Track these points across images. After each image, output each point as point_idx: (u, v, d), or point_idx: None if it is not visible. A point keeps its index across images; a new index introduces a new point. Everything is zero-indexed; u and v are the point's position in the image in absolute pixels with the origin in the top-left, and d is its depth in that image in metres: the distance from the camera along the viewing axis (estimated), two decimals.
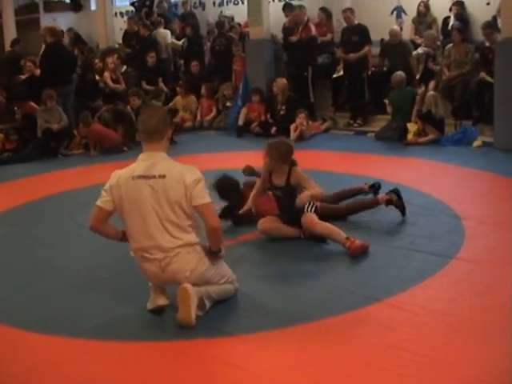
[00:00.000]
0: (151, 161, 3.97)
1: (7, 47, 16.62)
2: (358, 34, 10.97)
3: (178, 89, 12.56)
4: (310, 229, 5.35)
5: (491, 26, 9.49)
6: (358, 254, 5.02)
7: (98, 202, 4.00)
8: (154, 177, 3.91)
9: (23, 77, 11.54)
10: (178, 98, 12.43)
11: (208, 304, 4.11)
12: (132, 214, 3.95)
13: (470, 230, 5.47)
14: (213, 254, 4.11)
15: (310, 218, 5.32)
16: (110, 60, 12.32)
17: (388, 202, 5.93)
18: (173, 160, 4.07)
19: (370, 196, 6.30)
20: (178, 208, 3.90)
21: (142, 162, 4.00)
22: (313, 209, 5.39)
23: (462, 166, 7.82)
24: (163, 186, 3.89)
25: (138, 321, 4.15)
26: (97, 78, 12.29)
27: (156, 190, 3.89)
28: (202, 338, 3.83)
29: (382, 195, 6.11)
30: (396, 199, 5.92)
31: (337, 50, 11.43)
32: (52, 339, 3.98)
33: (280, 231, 5.53)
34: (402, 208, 5.93)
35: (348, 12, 11.05)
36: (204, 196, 3.93)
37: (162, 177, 3.90)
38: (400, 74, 9.94)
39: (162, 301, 4.18)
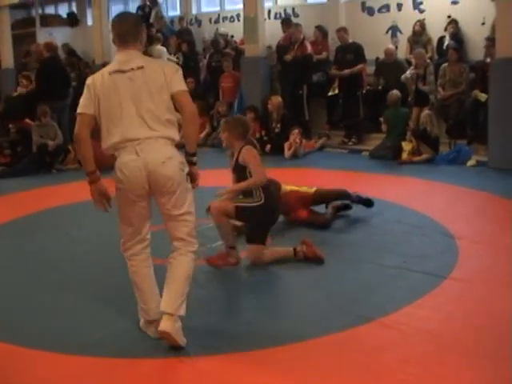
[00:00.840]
0: (127, 57, 3.90)
1: (4, 61, 16.74)
2: (352, 53, 11.00)
3: None
4: (255, 262, 5.30)
5: (493, 40, 9.50)
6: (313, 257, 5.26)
7: (79, 110, 3.89)
8: (132, 69, 3.84)
9: (16, 93, 11.57)
10: None
11: (184, 311, 3.93)
12: (109, 109, 3.82)
13: (464, 249, 5.47)
14: (188, 159, 3.95)
15: (254, 251, 5.28)
16: None
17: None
18: None
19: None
20: (158, 97, 3.82)
21: (117, 61, 3.94)
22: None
23: (456, 185, 7.84)
24: (142, 76, 3.82)
25: (130, 337, 4.11)
26: None
27: (134, 80, 3.81)
28: (194, 356, 3.80)
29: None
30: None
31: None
32: (49, 355, 3.93)
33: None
34: (366, 202, 6.53)
35: (342, 31, 11.12)
36: (182, 84, 3.91)
37: (141, 68, 3.85)
38: (396, 93, 9.99)
39: (153, 332, 4.03)
